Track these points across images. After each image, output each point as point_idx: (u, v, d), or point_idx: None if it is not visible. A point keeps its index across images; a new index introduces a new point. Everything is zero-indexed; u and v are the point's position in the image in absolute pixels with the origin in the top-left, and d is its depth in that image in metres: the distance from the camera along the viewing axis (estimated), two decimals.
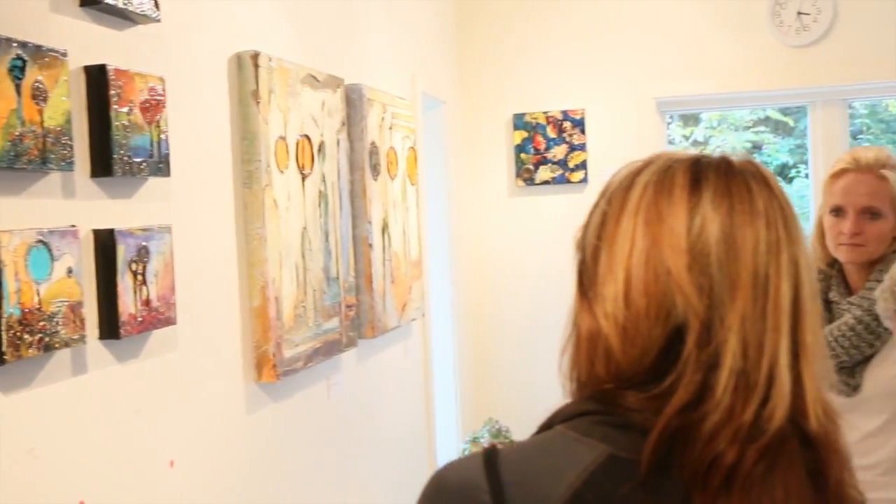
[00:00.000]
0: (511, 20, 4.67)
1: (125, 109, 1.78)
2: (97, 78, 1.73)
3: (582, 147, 4.60)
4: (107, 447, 1.77)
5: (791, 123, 7.39)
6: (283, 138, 2.45)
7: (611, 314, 0.95)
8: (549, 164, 4.63)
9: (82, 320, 1.63)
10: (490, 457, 0.95)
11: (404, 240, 3.45)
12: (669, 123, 6.71)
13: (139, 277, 1.82)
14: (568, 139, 4.61)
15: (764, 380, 0.91)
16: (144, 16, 1.86)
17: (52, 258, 1.57)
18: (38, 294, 1.53)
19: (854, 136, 6.97)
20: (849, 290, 2.26)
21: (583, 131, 4.60)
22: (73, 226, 1.65)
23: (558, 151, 4.62)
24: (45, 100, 1.56)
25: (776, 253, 0.93)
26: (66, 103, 1.61)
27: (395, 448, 3.44)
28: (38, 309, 1.53)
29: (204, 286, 2.14)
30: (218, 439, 2.19)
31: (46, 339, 1.54)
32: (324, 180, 2.72)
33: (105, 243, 1.74)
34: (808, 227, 2.41)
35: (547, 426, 0.98)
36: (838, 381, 2.18)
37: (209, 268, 2.18)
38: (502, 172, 4.72)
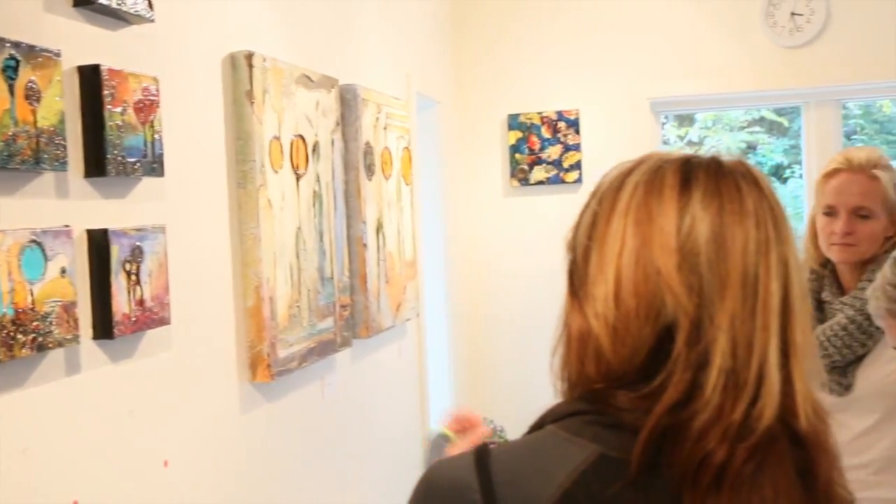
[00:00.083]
0: (506, 21, 4.67)
1: (119, 109, 1.78)
2: (91, 78, 1.74)
3: (576, 147, 4.61)
4: (100, 447, 1.77)
5: (785, 124, 7.39)
6: (277, 138, 2.45)
7: (601, 314, 0.95)
8: (544, 165, 4.63)
9: (76, 320, 1.63)
10: (481, 456, 0.96)
11: (399, 240, 3.45)
12: (664, 124, 6.72)
13: (133, 277, 1.82)
14: (562, 139, 4.61)
15: (753, 379, 0.91)
16: (138, 16, 1.86)
17: (46, 258, 1.57)
18: (32, 294, 1.53)
19: (848, 136, 6.98)
20: (841, 290, 2.26)
21: (577, 131, 4.60)
22: (67, 226, 1.65)
23: (553, 152, 4.62)
24: (38, 100, 1.56)
25: (766, 252, 0.94)
26: (60, 103, 1.61)
27: (389, 448, 3.44)
28: (32, 309, 1.53)
29: (198, 286, 2.15)
30: (212, 439, 2.19)
31: (40, 338, 1.54)
32: (318, 180, 2.72)
33: (99, 243, 1.75)
34: (801, 228, 2.41)
35: (538, 426, 0.99)
36: (831, 380, 2.19)
37: (203, 268, 2.18)
38: (497, 172, 4.72)
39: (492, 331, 4.74)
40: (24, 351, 1.51)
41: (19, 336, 1.50)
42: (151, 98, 1.90)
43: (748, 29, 4.44)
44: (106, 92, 1.74)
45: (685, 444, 0.90)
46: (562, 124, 4.61)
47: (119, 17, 1.85)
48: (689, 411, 0.90)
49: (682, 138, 7.55)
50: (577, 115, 4.60)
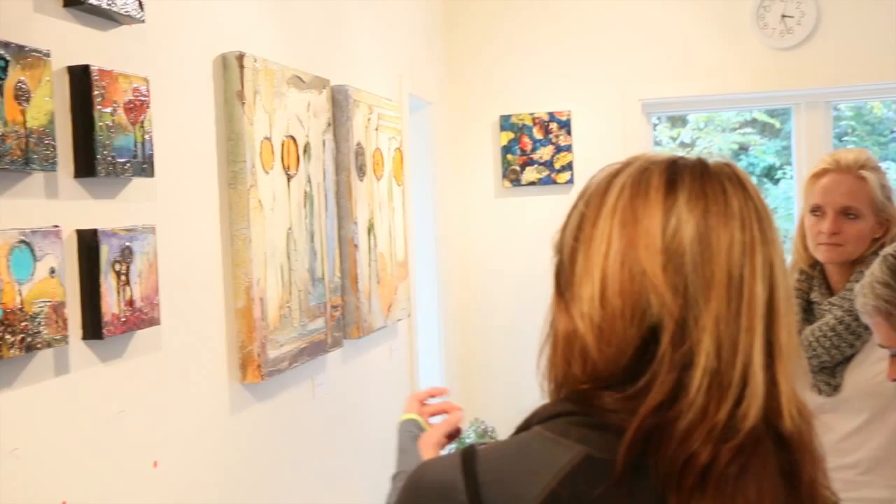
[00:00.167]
0: (498, 22, 4.68)
1: (109, 110, 1.78)
2: (81, 78, 1.74)
3: (568, 148, 4.62)
4: (90, 447, 1.77)
5: (777, 125, 7.41)
6: (268, 139, 2.46)
7: (587, 314, 0.95)
8: (536, 165, 4.64)
9: (65, 320, 1.63)
10: (467, 456, 0.96)
11: (390, 240, 3.46)
12: (657, 125, 6.73)
13: (123, 278, 1.82)
14: (554, 140, 4.62)
15: (738, 380, 0.92)
16: (128, 16, 1.86)
17: (35, 258, 1.57)
18: (20, 294, 1.53)
19: (839, 137, 7.00)
20: (830, 291, 2.27)
21: (569, 132, 4.61)
22: (56, 226, 1.65)
23: (544, 152, 4.63)
24: (27, 100, 1.56)
25: (751, 254, 0.94)
26: (50, 104, 1.61)
27: (380, 448, 3.44)
28: (20, 309, 1.53)
29: (188, 287, 2.15)
30: (202, 440, 2.19)
31: (28, 339, 1.54)
32: (309, 181, 2.72)
33: (88, 243, 1.75)
34: (792, 229, 2.42)
35: (524, 427, 0.99)
36: (819, 380, 2.20)
37: (194, 268, 2.18)
38: (489, 173, 4.73)
39: (483, 331, 4.74)
40: (12, 351, 1.51)
41: (8, 336, 1.50)
42: (142, 98, 1.90)
43: (739, 31, 4.45)
44: (96, 92, 1.75)
45: (670, 444, 0.90)
46: (553, 125, 4.62)
47: (109, 18, 1.85)
48: (674, 412, 0.91)
49: (674, 139, 7.56)
50: (569, 116, 4.61)
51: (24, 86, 1.55)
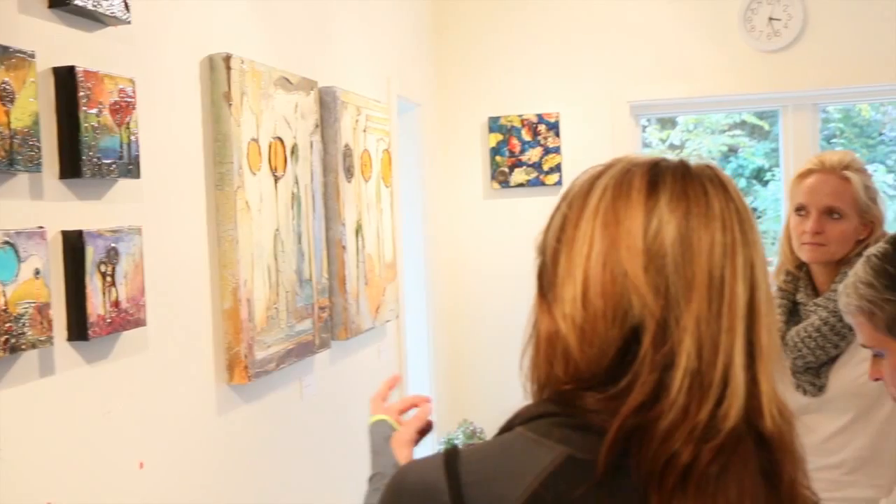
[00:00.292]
0: (486, 24, 4.68)
1: (94, 111, 1.78)
2: (66, 79, 1.73)
3: (556, 150, 4.63)
4: (75, 448, 1.77)
5: (766, 127, 7.44)
6: (255, 140, 2.46)
7: (569, 315, 0.96)
8: (524, 167, 4.65)
9: (49, 322, 1.63)
10: (450, 457, 0.96)
11: (378, 242, 3.46)
12: (646, 127, 6.75)
13: (108, 279, 1.82)
14: (543, 142, 4.63)
15: (719, 380, 0.92)
16: (114, 17, 1.86)
17: (19, 259, 1.56)
18: (4, 295, 1.53)
19: (828, 140, 7.03)
20: (816, 292, 2.28)
21: (557, 134, 4.62)
22: (41, 227, 1.65)
23: (533, 154, 4.64)
24: (11, 101, 1.55)
25: (732, 255, 0.95)
26: (34, 104, 1.61)
27: (367, 449, 3.43)
28: (4, 310, 1.52)
29: (175, 288, 2.14)
30: (188, 441, 2.19)
31: (13, 340, 1.54)
32: (297, 182, 2.72)
33: (73, 244, 1.74)
34: (780, 230, 2.43)
35: (507, 428, 0.99)
36: (804, 381, 2.21)
37: (180, 269, 2.18)
38: (477, 175, 4.73)
39: (472, 332, 4.74)
40: None
41: None
42: (128, 100, 1.89)
43: (727, 33, 4.47)
44: (81, 93, 1.74)
45: (651, 444, 0.91)
46: (542, 127, 4.63)
47: (95, 19, 1.84)
48: (655, 412, 0.91)
49: (663, 141, 7.58)
50: (558, 117, 4.62)
51: (8, 87, 1.55)
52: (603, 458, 0.91)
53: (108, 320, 1.81)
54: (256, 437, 2.54)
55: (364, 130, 3.31)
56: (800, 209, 2.26)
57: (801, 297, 2.29)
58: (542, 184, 4.63)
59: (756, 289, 0.95)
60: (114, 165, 1.84)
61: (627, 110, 4.61)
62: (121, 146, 1.87)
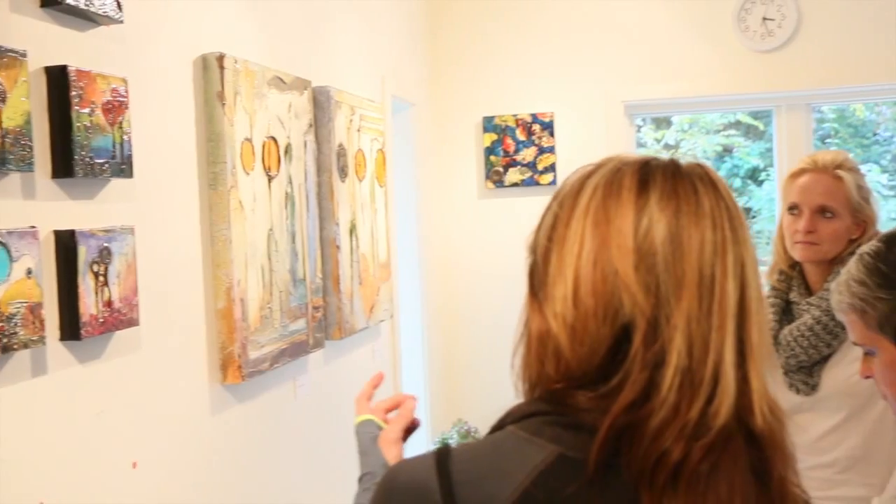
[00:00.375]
0: (481, 23, 4.69)
1: (87, 110, 1.78)
2: (58, 79, 1.73)
3: (551, 150, 4.63)
4: (68, 448, 1.76)
5: (761, 127, 7.45)
6: (248, 140, 2.45)
7: (560, 314, 0.96)
8: (519, 167, 4.65)
9: (42, 321, 1.63)
10: (441, 456, 0.96)
11: (372, 241, 3.46)
12: (641, 126, 6.75)
13: (101, 278, 1.81)
14: (537, 142, 4.63)
15: (709, 378, 0.92)
16: (107, 17, 1.86)
17: (11, 259, 1.56)
18: None
19: (822, 140, 7.04)
20: (809, 291, 2.29)
21: (552, 134, 4.62)
22: (33, 227, 1.64)
23: (527, 154, 4.64)
24: (3, 100, 1.55)
25: (722, 253, 0.95)
26: (26, 104, 1.61)
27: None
28: None
29: (168, 287, 2.14)
30: (182, 440, 2.18)
31: (5, 340, 1.54)
32: (290, 182, 2.72)
33: (66, 244, 1.74)
34: (774, 230, 2.43)
35: (499, 427, 0.99)
36: (797, 380, 2.21)
37: (173, 269, 2.18)
38: (472, 174, 4.74)
39: (466, 332, 4.74)
40: None
41: None
42: (120, 99, 1.89)
43: (721, 33, 4.47)
44: (74, 93, 1.74)
45: (642, 442, 0.91)
46: (536, 126, 4.63)
47: (87, 18, 1.84)
48: (646, 410, 0.91)
49: (658, 141, 7.59)
50: (552, 117, 4.62)
51: None
52: (594, 457, 0.91)
53: (101, 320, 1.81)
54: (250, 436, 2.53)
55: (358, 130, 3.31)
56: (793, 208, 2.27)
57: (794, 296, 2.30)
58: (537, 183, 4.63)
59: (746, 287, 0.96)
60: (106, 165, 1.84)
61: (622, 110, 4.62)
62: (113, 146, 1.87)
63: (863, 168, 2.35)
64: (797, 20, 4.38)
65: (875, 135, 7.53)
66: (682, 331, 0.92)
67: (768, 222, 6.82)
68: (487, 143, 4.67)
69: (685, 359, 0.92)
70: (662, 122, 7.44)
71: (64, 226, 1.75)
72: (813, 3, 4.37)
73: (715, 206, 0.97)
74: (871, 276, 1.55)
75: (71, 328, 1.75)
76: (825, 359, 2.19)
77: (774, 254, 2.36)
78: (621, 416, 0.91)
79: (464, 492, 0.93)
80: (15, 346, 1.56)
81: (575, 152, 4.57)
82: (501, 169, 4.66)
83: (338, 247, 3.04)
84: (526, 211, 4.53)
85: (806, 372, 2.20)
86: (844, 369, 2.16)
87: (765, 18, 4.40)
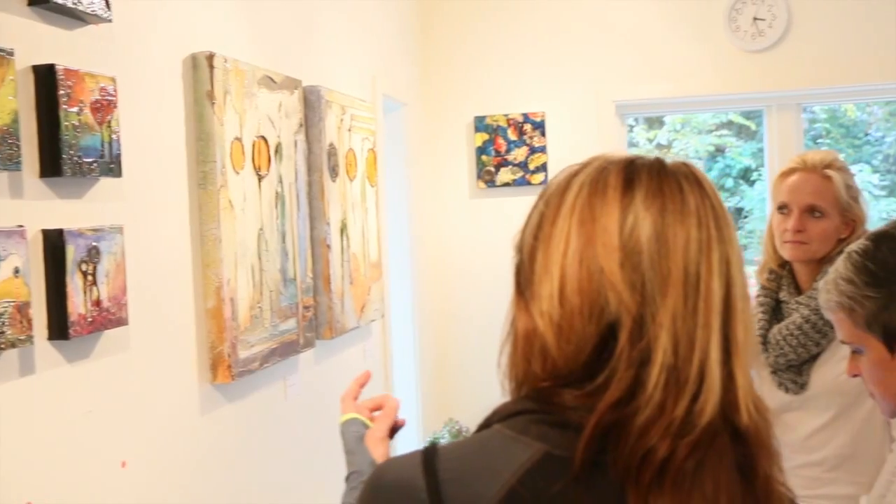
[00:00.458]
0: (472, 23, 4.69)
1: (75, 109, 1.77)
2: (46, 78, 1.72)
3: (542, 149, 4.63)
4: (56, 448, 1.76)
5: (753, 127, 7.47)
6: (238, 139, 2.45)
7: (546, 312, 0.96)
8: (510, 167, 4.65)
9: (30, 321, 1.62)
10: (428, 455, 0.96)
11: (363, 241, 3.45)
12: (633, 126, 6.76)
13: (89, 278, 1.81)
14: (528, 141, 4.64)
15: (695, 375, 0.93)
16: (95, 16, 1.85)
17: None
18: None
19: (814, 140, 7.06)
20: (798, 290, 2.30)
21: (543, 134, 4.63)
22: (21, 226, 1.64)
23: (519, 154, 4.64)
24: None
25: (707, 251, 0.95)
26: (13, 103, 1.60)
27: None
28: None
29: (157, 287, 2.14)
30: (171, 440, 2.18)
31: None
32: (280, 181, 2.72)
33: (54, 243, 1.74)
34: (765, 229, 2.44)
35: (485, 425, 1.00)
36: (786, 379, 2.22)
37: (163, 268, 2.17)
38: (463, 174, 4.74)
39: (458, 331, 4.75)
40: None
41: None
42: (109, 98, 1.89)
43: (712, 33, 4.48)
44: (61, 92, 1.73)
45: (628, 440, 0.91)
46: (528, 126, 4.63)
47: (75, 17, 1.84)
48: (632, 408, 0.92)
49: (651, 141, 7.60)
50: (543, 117, 4.62)
51: None
52: (580, 455, 0.91)
53: (90, 319, 1.81)
54: (240, 436, 2.53)
55: (349, 130, 3.31)
56: (782, 207, 2.27)
57: (783, 295, 2.30)
58: (528, 183, 4.64)
59: (732, 285, 0.96)
60: (95, 164, 1.84)
61: (613, 109, 4.62)
62: (102, 145, 1.86)
63: (854, 168, 2.35)
64: (788, 20, 4.39)
65: (866, 135, 7.55)
66: (667, 329, 0.92)
67: (760, 222, 6.83)
68: (479, 143, 4.67)
69: (671, 356, 0.92)
70: (655, 122, 7.45)
71: (52, 225, 1.75)
72: (803, 3, 4.39)
73: (700, 204, 0.97)
74: (859, 274, 1.55)
75: (59, 328, 1.74)
76: (814, 358, 2.20)
77: (764, 253, 2.37)
78: (607, 413, 0.91)
79: (450, 490, 0.93)
80: (2, 346, 1.55)
81: (566, 152, 4.57)
82: (493, 169, 4.67)
83: (328, 246, 3.04)
84: (517, 211, 4.51)
85: (795, 371, 2.21)
86: (833, 368, 2.16)
87: (755, 18, 4.41)
